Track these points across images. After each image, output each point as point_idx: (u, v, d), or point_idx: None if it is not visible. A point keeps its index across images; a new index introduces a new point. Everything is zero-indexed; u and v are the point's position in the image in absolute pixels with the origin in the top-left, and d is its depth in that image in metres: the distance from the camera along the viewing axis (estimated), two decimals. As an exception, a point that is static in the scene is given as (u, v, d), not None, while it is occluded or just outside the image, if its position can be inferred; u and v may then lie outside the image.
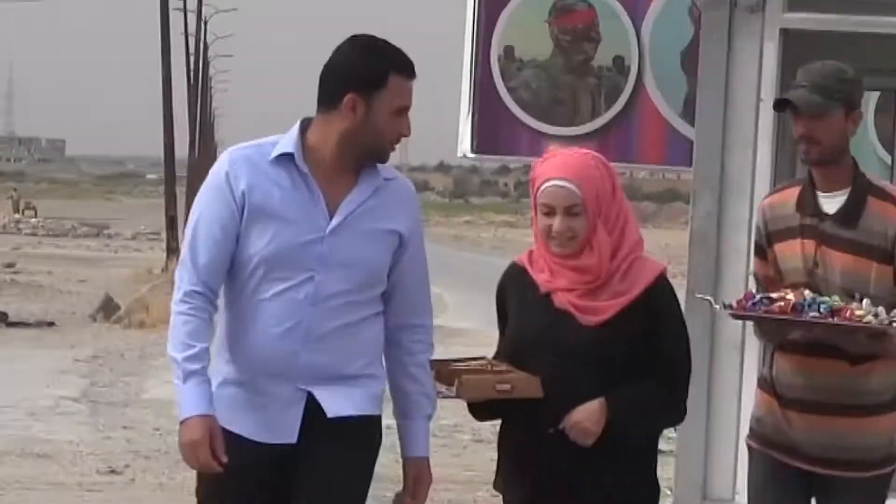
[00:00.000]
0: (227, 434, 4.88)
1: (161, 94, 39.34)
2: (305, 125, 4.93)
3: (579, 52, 10.16)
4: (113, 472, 12.20)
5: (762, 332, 5.72)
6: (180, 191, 43.55)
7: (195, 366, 4.83)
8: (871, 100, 10.59)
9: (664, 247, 41.85)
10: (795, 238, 5.60)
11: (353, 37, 5.01)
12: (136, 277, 32.09)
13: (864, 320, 5.33)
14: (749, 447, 5.76)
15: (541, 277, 5.11)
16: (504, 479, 5.23)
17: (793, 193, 5.67)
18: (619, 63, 10.13)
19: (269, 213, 4.82)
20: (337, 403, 4.98)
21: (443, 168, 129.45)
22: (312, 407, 4.92)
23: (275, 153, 4.78)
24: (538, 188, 5.07)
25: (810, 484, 5.62)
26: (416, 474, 5.05)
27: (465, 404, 5.29)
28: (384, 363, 5.16)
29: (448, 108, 10.52)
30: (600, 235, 5.01)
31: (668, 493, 8.79)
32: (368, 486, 5.15)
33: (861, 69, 10.22)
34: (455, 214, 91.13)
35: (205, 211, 4.86)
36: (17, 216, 64.30)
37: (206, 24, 62.55)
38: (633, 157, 10.57)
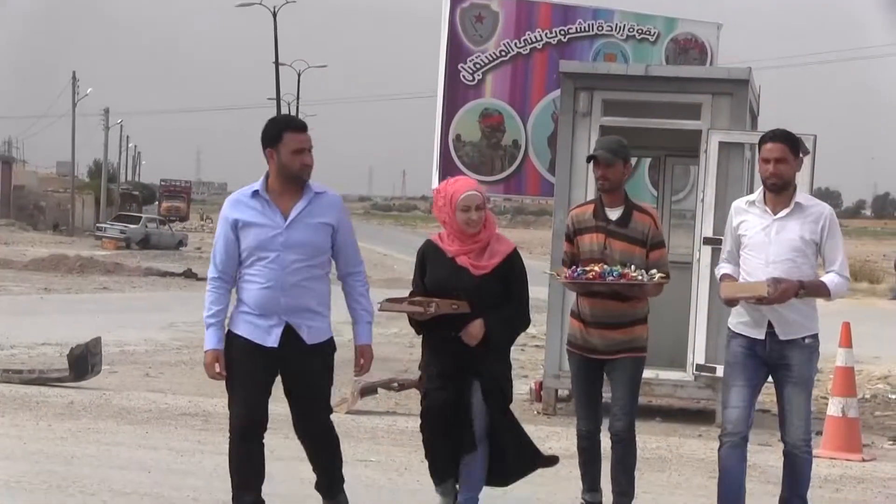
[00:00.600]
0: (239, 337, 5.92)
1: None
2: (268, 173, 6.01)
3: (494, 137, 12.72)
4: None
5: (576, 287, 6.67)
6: None
7: (211, 320, 5.96)
8: (646, 161, 13.46)
9: (540, 239, 46.24)
10: (592, 233, 6.63)
11: (270, 118, 6.07)
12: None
13: (638, 279, 6.49)
14: (568, 351, 6.82)
15: (449, 248, 6.16)
16: (426, 362, 6.27)
17: (590, 207, 6.75)
18: (516, 143, 12.71)
19: (250, 224, 5.90)
20: (307, 334, 5.87)
21: (424, 198, 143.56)
22: (289, 328, 5.87)
23: (250, 191, 5.97)
24: (459, 197, 6.10)
25: (602, 367, 6.65)
26: (362, 353, 6.09)
27: (408, 321, 6.23)
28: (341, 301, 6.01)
29: (427, 166, 12.90)
30: (489, 221, 6.19)
31: (541, 367, 11.83)
32: (330, 378, 6.08)
33: (639, 145, 13.07)
34: (431, 221, 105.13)
35: (219, 233, 6.00)
36: (202, 223, 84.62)
37: (299, 106, 70.72)
38: (523, 191, 13.10)
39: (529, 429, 9.57)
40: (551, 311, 11.04)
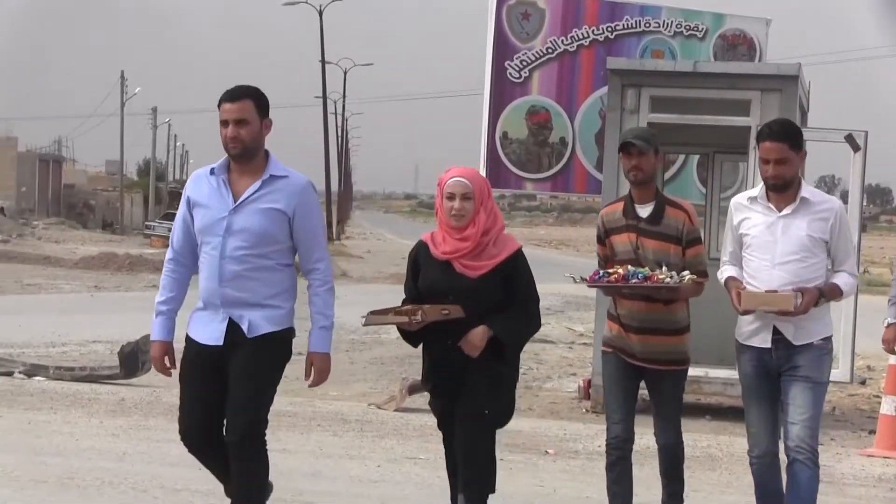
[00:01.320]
0: (191, 339, 5.48)
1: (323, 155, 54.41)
2: None
3: (541, 134, 12.84)
4: (300, 353, 14.22)
5: (605, 292, 6.38)
6: (334, 208, 57.85)
7: (160, 308, 5.57)
8: (694, 158, 13.47)
9: (586, 237, 46.57)
10: (623, 233, 6.25)
11: None
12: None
13: (665, 281, 6.04)
14: (604, 352, 6.41)
15: (439, 249, 5.60)
16: (426, 377, 5.76)
17: (619, 205, 6.34)
18: (563, 140, 12.86)
19: (200, 205, 5.49)
20: (248, 327, 5.39)
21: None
22: (233, 324, 5.40)
23: (210, 168, 5.55)
24: (445, 183, 5.58)
25: (641, 374, 6.28)
26: (311, 362, 5.49)
27: (398, 333, 5.71)
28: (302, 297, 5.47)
29: (474, 164, 12.74)
30: (480, 217, 5.58)
31: (590, 365, 11.60)
32: (270, 379, 5.45)
33: (688, 142, 12.95)
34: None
35: (179, 212, 5.61)
36: None
37: (346, 122, 77.12)
38: (571, 189, 13.19)
39: (577, 427, 10.09)
40: (599, 308, 10.84)
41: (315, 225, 5.45)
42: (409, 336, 5.56)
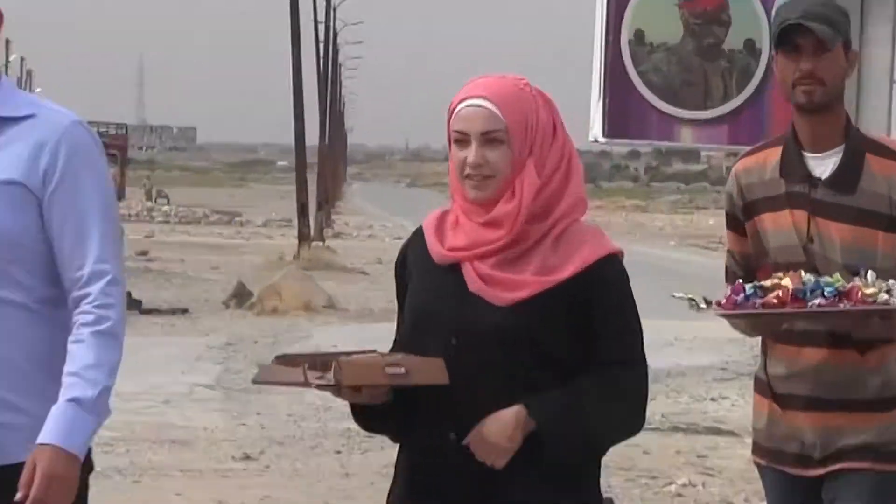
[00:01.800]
0: None
1: (291, 81, 53.15)
2: None
3: (710, 35, 12.60)
4: (248, 457, 15.35)
5: (754, 327, 6.19)
6: (311, 177, 55.09)
7: None
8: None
9: None
10: (782, 209, 6.11)
11: None
12: (268, 264, 41.53)
13: (879, 300, 5.80)
14: (757, 465, 6.41)
15: (443, 244, 5.13)
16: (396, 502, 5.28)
17: (773, 155, 6.20)
18: (750, 46, 12.61)
19: None
20: None
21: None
22: None
23: None
24: (455, 109, 5.06)
25: (819, 491, 6.22)
26: (33, 460, 5.08)
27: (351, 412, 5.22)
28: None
29: (578, 93, 13.08)
30: (528, 179, 4.97)
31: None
32: None
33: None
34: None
35: None
36: (149, 204, 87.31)
37: (335, 10, 74.44)
38: (765, 135, 11.74)
39: None
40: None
41: (88, 206, 5.19)
42: (364, 416, 5.14)
